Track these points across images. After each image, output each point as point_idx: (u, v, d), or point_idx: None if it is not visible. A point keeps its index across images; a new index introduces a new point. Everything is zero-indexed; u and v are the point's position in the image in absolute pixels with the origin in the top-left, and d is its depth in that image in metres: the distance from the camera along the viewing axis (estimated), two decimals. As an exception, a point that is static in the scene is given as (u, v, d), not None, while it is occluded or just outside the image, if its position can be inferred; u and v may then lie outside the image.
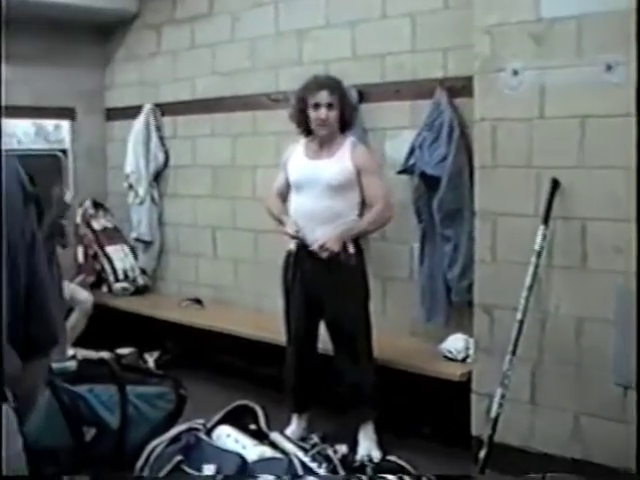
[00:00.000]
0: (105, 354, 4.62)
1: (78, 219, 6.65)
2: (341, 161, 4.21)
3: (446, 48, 4.51)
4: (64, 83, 6.70)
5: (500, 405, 3.61)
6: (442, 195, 4.38)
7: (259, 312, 5.59)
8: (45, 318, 1.73)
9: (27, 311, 1.65)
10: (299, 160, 4.36)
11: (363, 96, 4.86)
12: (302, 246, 4.24)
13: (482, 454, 3.62)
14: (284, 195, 4.47)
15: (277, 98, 5.44)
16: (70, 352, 4.66)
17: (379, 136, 4.84)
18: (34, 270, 1.67)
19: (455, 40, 4.41)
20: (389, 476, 3.44)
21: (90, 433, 4.11)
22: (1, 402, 1.56)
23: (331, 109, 4.20)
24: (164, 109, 6.42)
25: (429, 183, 4.45)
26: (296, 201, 4.34)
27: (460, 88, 4.35)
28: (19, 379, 1.62)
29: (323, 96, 4.19)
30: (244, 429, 3.71)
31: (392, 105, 4.80)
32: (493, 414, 3.63)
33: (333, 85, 4.25)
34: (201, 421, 3.77)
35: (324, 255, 4.13)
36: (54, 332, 1.77)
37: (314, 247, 4.15)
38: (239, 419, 3.78)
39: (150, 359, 5.86)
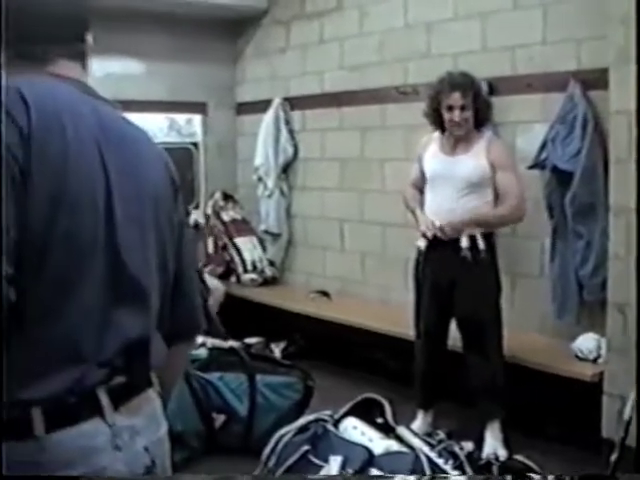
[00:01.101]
0: (234, 343, 4.72)
1: (209, 210, 6.81)
2: (477, 157, 4.17)
3: (579, 39, 4.39)
4: (196, 78, 6.87)
5: (633, 407, 3.50)
6: (575, 190, 4.28)
7: (386, 305, 5.60)
8: (190, 305, 1.78)
9: (173, 298, 1.69)
10: (434, 155, 4.34)
11: (493, 89, 4.78)
12: (433, 242, 4.22)
13: (613, 457, 3.52)
14: (420, 186, 4.46)
15: (406, 91, 5.42)
16: (200, 340, 4.79)
17: (510, 130, 4.76)
18: (181, 259, 1.71)
19: (588, 31, 4.29)
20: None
21: (219, 420, 4.22)
22: (146, 387, 1.61)
23: (465, 110, 4.15)
24: (293, 103, 6.50)
25: (561, 178, 4.36)
26: (431, 196, 4.33)
27: (594, 80, 4.23)
28: (165, 365, 1.66)
29: (456, 98, 4.14)
30: (371, 422, 3.72)
31: (523, 98, 4.71)
32: (626, 416, 3.52)
33: (466, 85, 4.19)
34: (328, 412, 3.81)
35: (439, 234, 4.13)
36: (198, 319, 1.81)
37: (437, 232, 4.14)
38: (366, 412, 3.79)
39: (276, 349, 5.95)
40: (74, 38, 1.62)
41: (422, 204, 4.40)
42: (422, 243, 4.30)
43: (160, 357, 1.63)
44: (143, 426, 1.56)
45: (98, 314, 1.47)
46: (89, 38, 1.66)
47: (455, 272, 4.17)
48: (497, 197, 4.21)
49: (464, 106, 4.15)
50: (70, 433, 1.41)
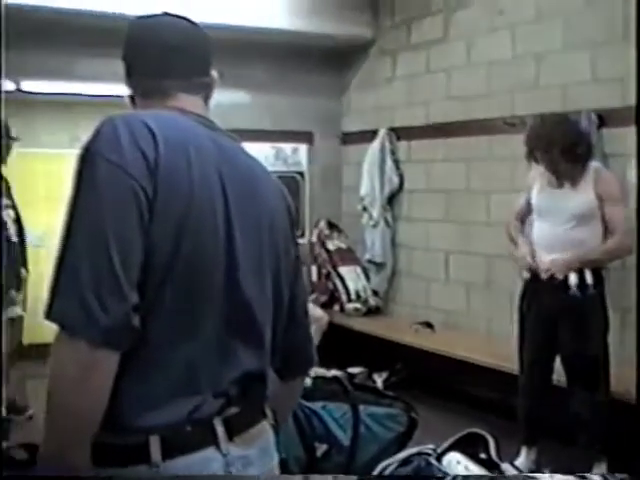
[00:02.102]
0: (337, 372, 4.74)
1: (313, 239, 6.89)
2: (584, 191, 4.12)
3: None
4: (302, 108, 6.98)
5: None
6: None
7: (490, 338, 5.54)
8: (304, 338, 1.81)
9: (287, 330, 1.71)
10: (542, 189, 4.31)
11: (603, 121, 4.71)
12: (537, 275, 4.18)
13: None
14: (523, 217, 4.44)
15: (513, 122, 5.38)
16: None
17: (620, 162, 4.67)
18: (296, 291, 1.74)
19: None
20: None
21: (321, 449, 4.23)
22: (260, 419, 1.64)
23: (554, 161, 4.14)
24: (399, 133, 6.53)
25: (674, 211, 4.25)
26: (538, 228, 4.31)
27: None
28: (277, 397, 1.69)
29: (540, 154, 4.16)
30: (474, 457, 3.68)
31: (634, 130, 4.61)
32: None
33: (550, 139, 4.16)
34: (431, 446, 3.78)
35: (545, 276, 4.08)
36: (312, 352, 1.83)
37: (542, 273, 4.11)
38: (469, 446, 3.75)
39: (379, 379, 5.95)
40: (198, 73, 1.69)
41: (524, 235, 4.38)
42: (527, 273, 4.27)
43: (272, 390, 1.66)
44: (256, 457, 1.59)
45: (216, 344, 1.51)
46: (214, 73, 1.72)
47: (561, 307, 4.11)
48: (606, 229, 4.14)
49: (552, 159, 4.13)
50: (185, 461, 1.45)
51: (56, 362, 1.36)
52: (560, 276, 4.06)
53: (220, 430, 1.51)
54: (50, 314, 1.36)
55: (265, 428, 1.65)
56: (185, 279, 1.44)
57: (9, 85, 6.14)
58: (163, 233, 1.41)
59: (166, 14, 1.74)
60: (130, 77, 1.67)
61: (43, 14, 5.55)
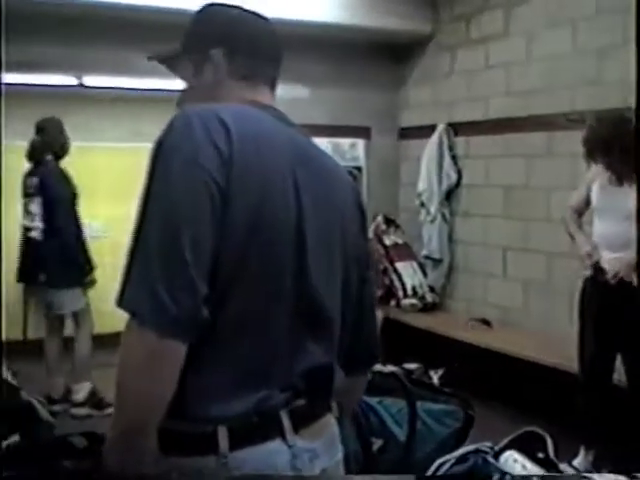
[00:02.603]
0: (394, 368, 4.73)
1: (370, 234, 6.89)
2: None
3: None
4: (360, 103, 6.98)
5: None
6: None
7: (548, 336, 5.49)
8: (370, 334, 1.82)
9: (354, 326, 1.72)
10: (602, 185, 4.26)
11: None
12: (599, 273, 4.13)
13: None
14: (581, 211, 4.40)
15: (574, 118, 5.32)
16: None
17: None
18: (364, 288, 1.75)
19: None
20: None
21: (377, 444, 4.24)
22: (326, 412, 1.66)
23: (613, 162, 4.11)
24: (457, 129, 6.50)
25: None
26: (599, 226, 4.26)
27: None
28: (342, 391, 1.69)
29: (600, 155, 4.15)
30: (532, 456, 3.65)
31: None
32: None
33: (607, 142, 4.15)
34: (488, 444, 3.76)
35: (613, 280, 4.03)
36: (377, 348, 1.84)
37: (609, 276, 4.06)
38: (527, 445, 3.72)
39: (435, 376, 5.92)
40: (277, 64, 1.72)
41: (583, 230, 4.35)
42: (588, 271, 4.23)
43: (338, 384, 1.66)
44: (322, 450, 1.60)
45: (285, 337, 1.52)
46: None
47: (622, 305, 4.06)
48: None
49: (611, 160, 4.08)
50: (252, 452, 1.47)
51: (125, 350, 1.39)
52: (627, 278, 4.01)
53: (286, 422, 1.52)
54: (121, 302, 1.39)
55: (330, 421, 1.67)
56: (256, 272, 1.45)
57: (71, 80, 6.25)
58: (235, 227, 1.42)
59: (212, 5, 1.77)
60: (235, 54, 1.66)
61: (104, 10, 5.63)
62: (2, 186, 3.18)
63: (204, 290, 1.38)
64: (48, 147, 5.34)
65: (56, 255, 5.23)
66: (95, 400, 5.38)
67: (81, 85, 6.34)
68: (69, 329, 5.77)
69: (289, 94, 6.47)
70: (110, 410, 5.23)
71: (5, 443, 4.29)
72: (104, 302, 5.97)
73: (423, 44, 6.90)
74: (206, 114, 1.47)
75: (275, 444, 1.50)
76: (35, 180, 5.29)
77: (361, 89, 6.99)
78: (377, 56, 7.02)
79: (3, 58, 3.26)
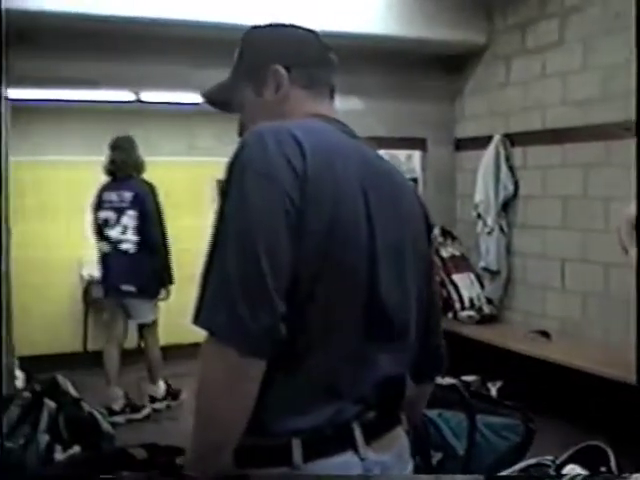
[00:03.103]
0: (452, 380, 4.70)
1: (427, 246, 6.86)
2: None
3: None
4: (415, 114, 6.97)
5: None
6: None
7: (607, 347, 5.41)
8: (436, 343, 1.84)
9: (422, 336, 1.73)
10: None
11: None
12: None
13: None
14: (634, 222, 4.34)
15: (631, 127, 5.24)
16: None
17: None
18: (432, 297, 1.78)
19: None
20: None
21: (436, 457, 4.22)
22: (396, 425, 1.66)
23: None
24: (514, 139, 6.45)
25: None
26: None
27: None
28: (409, 402, 1.71)
29: None
30: (594, 470, 3.60)
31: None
32: None
33: None
34: (550, 457, 3.72)
35: None
36: (443, 358, 1.86)
37: None
38: (588, 459, 3.68)
39: (493, 388, 5.87)
40: (333, 74, 1.76)
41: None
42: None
43: (409, 395, 1.69)
44: (393, 462, 1.61)
45: (357, 350, 1.53)
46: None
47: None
48: None
49: None
50: (325, 464, 1.48)
51: (205, 368, 1.42)
52: None
53: (358, 434, 1.53)
54: (199, 320, 1.41)
55: (400, 434, 1.68)
56: (329, 287, 1.46)
57: (129, 96, 6.35)
58: (310, 243, 1.43)
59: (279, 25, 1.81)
60: (294, 67, 1.68)
61: (162, 26, 5.70)
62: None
63: (282, 307, 1.40)
64: (131, 163, 5.68)
65: (147, 267, 5.61)
66: (172, 392, 5.96)
67: (139, 101, 6.43)
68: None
69: (345, 106, 6.45)
70: (184, 396, 5.87)
71: (67, 453, 4.36)
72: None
73: (478, 54, 6.86)
74: (278, 130, 1.49)
75: (347, 456, 1.52)
76: (128, 195, 5.62)
77: (416, 100, 6.98)
78: (432, 67, 7.01)
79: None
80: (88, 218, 5.91)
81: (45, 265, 7.16)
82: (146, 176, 5.99)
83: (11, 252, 5.92)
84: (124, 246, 5.63)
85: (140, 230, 5.62)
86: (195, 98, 6.47)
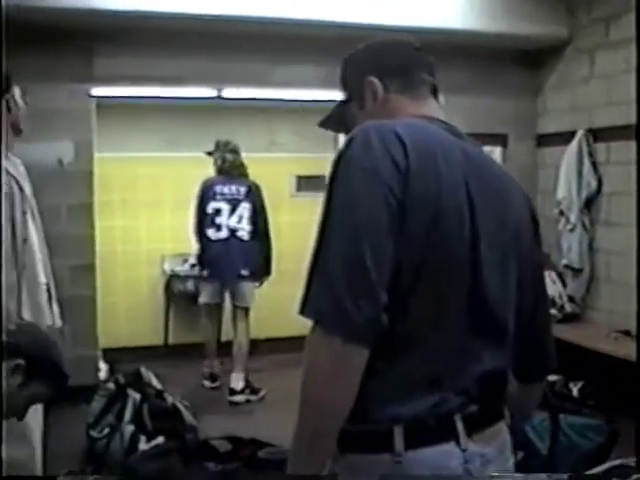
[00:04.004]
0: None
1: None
2: None
3: None
4: (497, 110, 6.90)
5: None
6: None
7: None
8: (545, 345, 1.84)
9: (527, 335, 1.75)
10: None
11: None
12: None
13: None
14: None
15: None
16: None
17: None
18: (539, 296, 1.78)
19: None
20: None
21: (519, 456, 4.18)
22: (499, 419, 1.68)
23: None
24: (597, 134, 6.33)
25: None
26: None
27: None
28: (516, 399, 1.75)
29: None
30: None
31: None
32: None
33: None
34: (633, 459, 3.65)
35: None
36: (551, 357, 1.85)
37: None
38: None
39: (574, 388, 5.78)
40: (430, 73, 1.82)
41: None
42: None
43: (510, 390, 1.70)
44: (494, 456, 1.63)
45: (458, 343, 1.57)
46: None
47: None
48: None
49: None
50: (426, 452, 1.53)
51: (311, 356, 1.48)
52: None
53: (460, 426, 1.56)
54: (306, 310, 1.48)
55: (503, 428, 1.69)
56: (432, 280, 1.51)
57: (211, 92, 6.43)
58: (412, 236, 1.48)
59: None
60: (386, 75, 1.76)
61: (244, 23, 5.76)
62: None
63: (384, 299, 1.45)
64: (239, 163, 6.41)
65: (258, 254, 6.32)
66: (251, 387, 6.18)
67: (220, 97, 6.51)
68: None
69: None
70: (262, 393, 6.14)
71: (151, 444, 4.45)
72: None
73: (560, 48, 6.75)
74: (383, 128, 1.55)
75: (449, 447, 1.55)
76: (243, 189, 6.33)
77: (498, 96, 6.91)
78: (514, 62, 6.93)
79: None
80: (191, 209, 6.42)
81: (128, 260, 7.31)
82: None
83: (96, 247, 6.08)
84: (239, 233, 6.25)
85: (253, 220, 6.30)
86: (275, 94, 6.60)
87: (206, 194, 6.31)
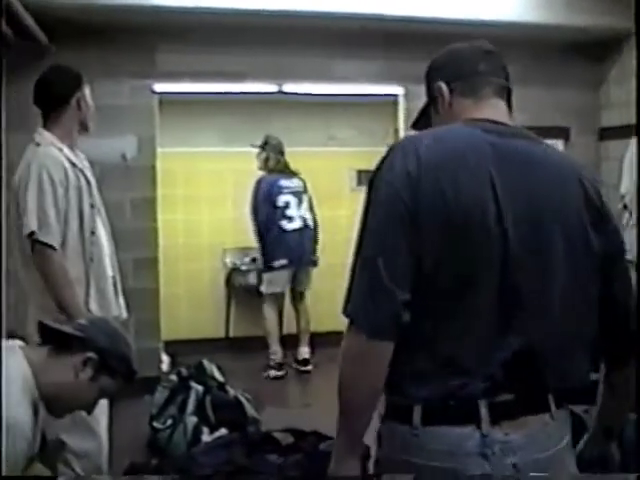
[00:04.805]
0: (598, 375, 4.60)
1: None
2: None
3: None
4: (558, 103, 6.82)
5: None
6: None
7: None
8: (622, 329, 1.85)
9: (602, 322, 1.79)
10: None
11: None
12: None
13: None
14: None
15: None
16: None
17: None
18: (612, 285, 1.80)
19: None
20: None
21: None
22: (539, 411, 1.72)
23: None
24: (661, 127, 6.22)
25: None
26: None
27: None
28: (610, 389, 1.86)
29: None
30: None
31: None
32: None
33: None
34: None
35: None
36: (631, 343, 1.85)
37: None
38: None
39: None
40: (496, 79, 1.93)
41: None
42: None
43: (557, 383, 1.74)
44: (520, 444, 1.68)
45: (485, 331, 1.67)
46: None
47: None
48: None
49: None
50: (442, 430, 1.67)
51: (345, 348, 1.70)
52: None
53: (484, 411, 1.66)
54: (345, 311, 1.70)
55: (544, 419, 1.72)
56: (454, 273, 1.66)
57: (271, 87, 6.47)
58: (429, 238, 1.64)
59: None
60: (452, 79, 1.88)
61: (303, 18, 5.79)
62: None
63: (403, 296, 1.64)
64: (286, 160, 6.84)
65: (314, 241, 6.86)
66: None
67: (281, 92, 6.54)
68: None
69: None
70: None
71: (213, 435, 4.50)
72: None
73: (622, 40, 6.64)
74: (407, 140, 1.81)
75: (468, 430, 1.66)
76: (301, 182, 6.80)
77: (559, 89, 6.82)
78: (575, 54, 6.83)
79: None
80: (251, 204, 6.69)
81: (190, 253, 7.39)
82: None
83: (159, 240, 6.16)
84: (308, 222, 6.76)
85: (312, 210, 6.83)
86: (334, 89, 6.61)
87: (272, 189, 6.61)
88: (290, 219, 6.64)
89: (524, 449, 1.67)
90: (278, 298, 6.84)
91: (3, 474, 1.97)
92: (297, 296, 6.92)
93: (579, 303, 1.74)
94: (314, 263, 6.84)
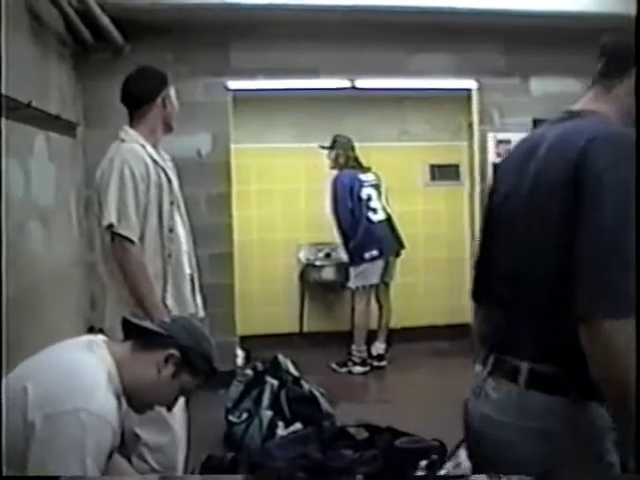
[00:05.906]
0: None
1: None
2: None
3: None
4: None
5: None
6: None
7: None
8: (580, 286, 1.66)
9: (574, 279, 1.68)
10: None
11: None
12: None
13: None
14: None
15: None
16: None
17: None
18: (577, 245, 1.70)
19: None
20: None
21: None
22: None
23: None
24: None
25: None
26: None
27: None
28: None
29: None
30: None
31: None
32: None
33: None
34: None
35: None
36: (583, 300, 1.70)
37: None
38: None
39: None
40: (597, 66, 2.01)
41: None
42: None
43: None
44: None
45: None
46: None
47: None
48: None
49: None
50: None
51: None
52: None
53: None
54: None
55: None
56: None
57: (344, 82, 6.46)
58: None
59: None
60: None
61: (376, 13, 5.77)
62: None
63: None
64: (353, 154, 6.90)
65: (397, 232, 6.88)
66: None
67: (353, 87, 6.53)
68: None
69: (563, 88, 6.30)
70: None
71: (289, 430, 4.53)
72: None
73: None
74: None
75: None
76: (376, 177, 6.84)
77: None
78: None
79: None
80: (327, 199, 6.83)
81: (264, 248, 7.44)
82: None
83: (234, 236, 6.22)
84: (390, 214, 6.80)
85: (388, 204, 6.89)
86: (407, 83, 6.57)
87: (354, 182, 6.67)
88: (374, 211, 6.68)
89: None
90: (367, 291, 6.77)
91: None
92: (382, 289, 6.89)
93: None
94: (397, 254, 6.83)
